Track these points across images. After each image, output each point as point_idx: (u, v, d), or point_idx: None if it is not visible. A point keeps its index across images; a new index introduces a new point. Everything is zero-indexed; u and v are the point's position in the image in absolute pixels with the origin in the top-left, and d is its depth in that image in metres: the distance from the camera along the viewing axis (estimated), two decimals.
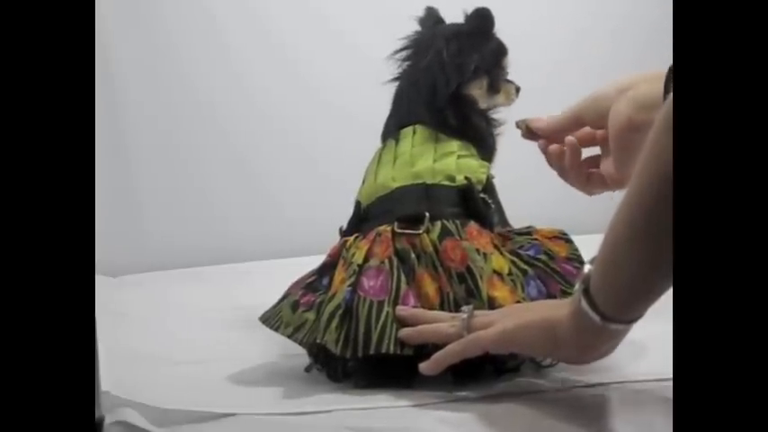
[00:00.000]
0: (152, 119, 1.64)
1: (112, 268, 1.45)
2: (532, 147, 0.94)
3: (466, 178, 0.95)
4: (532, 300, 0.87)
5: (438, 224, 0.91)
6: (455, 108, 1.00)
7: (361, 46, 1.62)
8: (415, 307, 0.86)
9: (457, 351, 0.81)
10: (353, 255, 0.90)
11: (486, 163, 1.00)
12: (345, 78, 1.65)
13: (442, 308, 0.87)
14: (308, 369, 0.90)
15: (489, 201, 0.96)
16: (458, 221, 0.91)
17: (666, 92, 0.74)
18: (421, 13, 1.06)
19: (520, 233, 0.95)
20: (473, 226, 0.92)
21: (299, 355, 0.91)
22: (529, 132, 0.94)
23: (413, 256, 0.89)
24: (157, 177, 1.66)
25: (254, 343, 1.00)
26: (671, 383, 0.56)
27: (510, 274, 0.89)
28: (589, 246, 0.74)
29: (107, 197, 1.35)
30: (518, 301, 0.86)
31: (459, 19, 1.04)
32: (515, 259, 0.91)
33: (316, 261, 0.95)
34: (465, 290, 0.86)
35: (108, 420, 0.76)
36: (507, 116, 1.04)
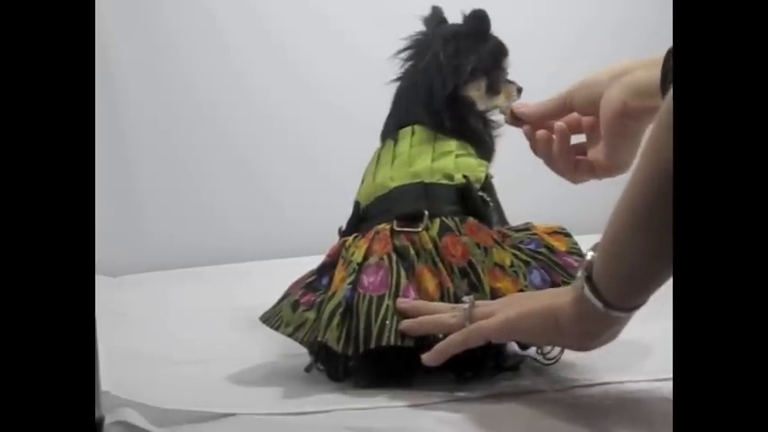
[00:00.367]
0: (152, 119, 1.64)
1: (112, 268, 1.45)
2: None
3: (464, 177, 0.95)
4: (536, 288, 0.87)
5: (437, 221, 0.91)
6: (452, 110, 1.00)
7: (362, 46, 1.62)
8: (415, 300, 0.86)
9: (459, 341, 0.81)
10: (353, 254, 0.90)
11: (484, 162, 1.00)
12: (345, 78, 1.65)
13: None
14: (308, 369, 0.90)
15: (488, 199, 0.96)
16: (457, 218, 0.91)
17: (664, 77, 0.72)
18: (425, 12, 1.06)
19: (518, 230, 0.96)
20: (472, 222, 0.92)
21: (298, 355, 0.91)
22: (513, 118, 0.90)
23: (412, 252, 0.89)
24: (157, 177, 1.66)
25: (255, 343, 1.00)
26: (671, 383, 0.56)
27: (512, 266, 0.89)
28: (588, 245, 0.74)
29: (107, 197, 1.35)
30: (521, 290, 0.86)
31: (460, 19, 1.04)
32: (517, 252, 0.91)
33: (316, 261, 0.95)
34: (468, 284, 0.87)
35: (108, 420, 0.76)
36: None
